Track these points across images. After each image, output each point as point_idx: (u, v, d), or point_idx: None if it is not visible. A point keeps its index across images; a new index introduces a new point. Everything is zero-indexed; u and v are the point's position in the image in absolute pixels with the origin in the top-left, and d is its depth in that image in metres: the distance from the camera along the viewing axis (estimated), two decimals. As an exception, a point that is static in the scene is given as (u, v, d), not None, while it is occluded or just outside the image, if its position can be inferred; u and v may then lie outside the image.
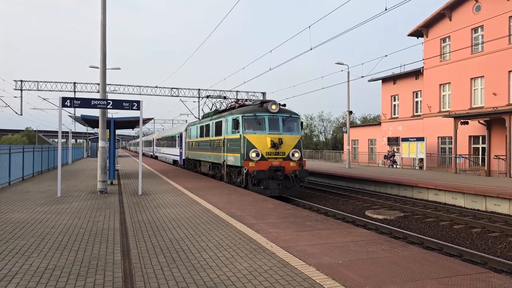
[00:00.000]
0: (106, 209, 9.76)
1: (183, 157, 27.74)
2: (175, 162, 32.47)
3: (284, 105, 16.04)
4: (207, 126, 20.23)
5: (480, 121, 23.88)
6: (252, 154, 14.43)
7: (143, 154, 56.97)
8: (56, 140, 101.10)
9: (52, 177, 18.51)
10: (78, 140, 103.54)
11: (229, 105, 19.62)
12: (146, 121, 22.89)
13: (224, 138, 16.72)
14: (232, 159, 15.67)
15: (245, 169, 14.47)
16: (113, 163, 16.24)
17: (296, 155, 14.97)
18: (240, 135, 14.98)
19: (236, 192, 13.15)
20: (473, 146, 25.99)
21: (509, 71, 23.26)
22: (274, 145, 14.58)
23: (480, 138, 25.34)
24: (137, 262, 5.45)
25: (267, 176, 14.33)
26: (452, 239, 10.16)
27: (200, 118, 24.38)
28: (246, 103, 18.09)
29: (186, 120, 60.13)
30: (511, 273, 7.27)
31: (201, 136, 21.59)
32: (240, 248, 6.17)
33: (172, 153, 33.00)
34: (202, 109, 26.05)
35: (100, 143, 13.20)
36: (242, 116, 15.09)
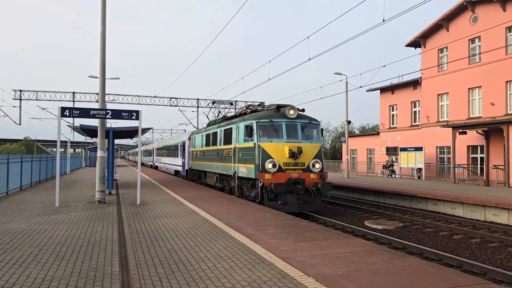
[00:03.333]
0: (104, 219, 9.72)
1: (186, 168, 26.28)
2: (177, 172, 31.16)
3: (303, 110, 14.51)
4: (214, 134, 18.70)
5: (478, 131, 23.95)
6: (269, 165, 12.99)
7: (143, 164, 56.82)
8: (54, 149, 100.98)
9: (50, 187, 18.45)
10: (76, 150, 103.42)
11: (239, 110, 18.18)
12: (145, 130, 22.93)
13: (235, 147, 15.21)
14: (245, 170, 14.15)
15: (260, 181, 12.93)
16: (111, 172, 16.21)
17: (317, 166, 13.62)
18: (254, 144, 13.52)
19: (235, 202, 13.12)
20: (471, 156, 26.03)
21: (507, 81, 23.41)
22: (293, 154, 13.15)
23: (479, 148, 25.39)
24: (135, 273, 5.42)
25: (286, 189, 12.91)
26: (451, 249, 10.12)
27: (206, 125, 22.76)
28: (259, 108, 16.50)
29: (185, 130, 60.13)
30: (511, 284, 7.24)
31: (207, 145, 20.02)
32: (239, 259, 6.14)
33: (174, 163, 31.62)
34: (207, 116, 25.14)
35: (99, 153, 13.19)
36: (256, 122, 13.63)
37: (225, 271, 5.54)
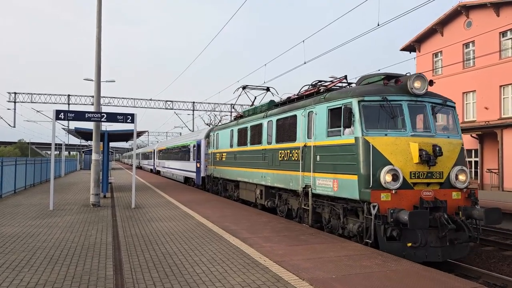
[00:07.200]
0: (98, 223, 9.68)
1: (203, 174, 20.94)
2: (187, 179, 25.59)
3: (431, 82, 8.57)
4: (256, 127, 13.39)
5: (473, 135, 24.12)
6: (387, 177, 7.45)
7: (141, 168, 56.52)
8: (49, 152, 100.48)
9: (45, 190, 18.35)
10: (71, 153, 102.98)
11: (302, 91, 11.75)
12: (140, 133, 22.90)
13: (305, 146, 9.79)
14: (332, 184, 8.60)
15: (373, 206, 7.37)
16: (106, 176, 16.16)
17: (462, 177, 8.08)
18: (357, 139, 7.94)
19: (230, 206, 13.11)
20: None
21: (500, 86, 23.59)
22: (427, 158, 7.65)
23: (473, 151, 25.54)
24: (130, 277, 5.40)
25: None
26: (445, 253, 10.14)
27: (233, 119, 18.14)
28: (336, 87, 10.39)
29: (180, 133, 59.88)
30: (504, 287, 7.27)
31: (241, 144, 14.73)
32: (233, 263, 6.14)
33: (184, 168, 25.53)
34: (232, 110, 20.76)
35: (94, 156, 13.17)
36: (359, 101, 8.09)
37: (219, 274, 5.53)
